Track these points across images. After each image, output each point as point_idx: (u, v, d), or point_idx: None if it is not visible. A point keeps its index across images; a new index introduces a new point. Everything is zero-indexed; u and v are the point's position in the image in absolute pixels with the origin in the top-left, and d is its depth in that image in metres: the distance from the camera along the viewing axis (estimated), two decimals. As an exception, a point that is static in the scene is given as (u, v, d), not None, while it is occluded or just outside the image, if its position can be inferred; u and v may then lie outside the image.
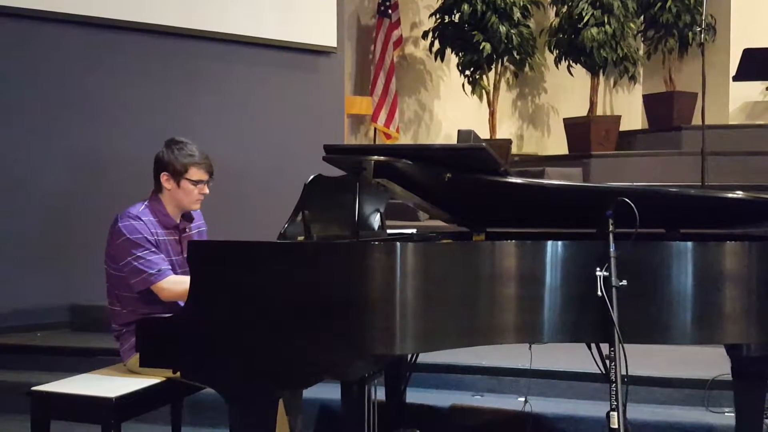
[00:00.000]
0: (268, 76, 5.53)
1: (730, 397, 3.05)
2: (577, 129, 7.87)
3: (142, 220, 2.88)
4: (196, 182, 2.94)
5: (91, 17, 4.78)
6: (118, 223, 2.87)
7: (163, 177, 2.94)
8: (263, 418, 2.30)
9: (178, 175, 2.92)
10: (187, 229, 3.08)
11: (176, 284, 2.82)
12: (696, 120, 7.31)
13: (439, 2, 7.64)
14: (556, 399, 3.61)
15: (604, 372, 2.47)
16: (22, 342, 4.40)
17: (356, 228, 2.39)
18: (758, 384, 2.84)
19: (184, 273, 2.91)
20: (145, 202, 2.97)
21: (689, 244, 2.44)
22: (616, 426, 2.26)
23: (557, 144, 8.56)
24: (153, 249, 2.85)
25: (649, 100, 8.27)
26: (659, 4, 7.60)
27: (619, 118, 8.02)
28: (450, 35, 7.60)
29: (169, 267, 2.87)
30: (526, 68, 7.83)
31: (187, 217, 3.08)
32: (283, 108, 5.58)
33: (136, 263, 2.82)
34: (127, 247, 2.82)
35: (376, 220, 3.13)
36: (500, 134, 8.05)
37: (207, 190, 3.00)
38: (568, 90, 8.53)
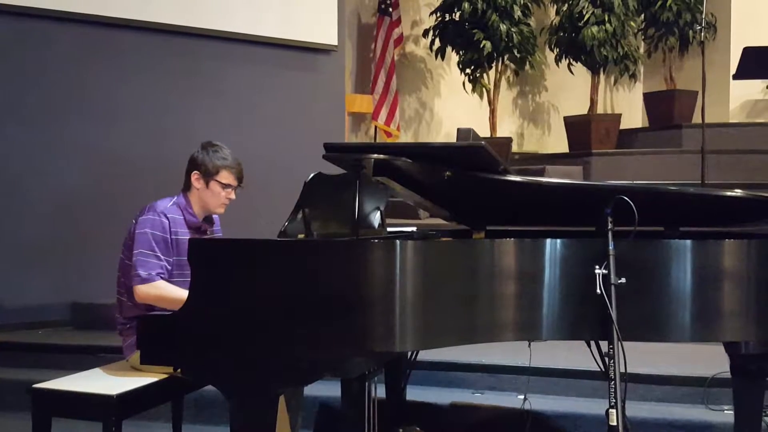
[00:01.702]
0: (268, 74, 5.54)
1: (730, 394, 3.05)
2: (577, 127, 7.87)
3: (167, 218, 2.92)
4: (224, 186, 3.00)
5: (91, 15, 4.79)
6: (144, 214, 2.91)
7: (194, 176, 2.99)
8: (264, 416, 2.30)
9: (208, 175, 2.98)
10: (208, 231, 3.12)
11: (154, 289, 2.83)
12: (696, 118, 7.32)
13: (440, 0, 7.64)
14: (555, 396, 3.62)
15: (603, 369, 2.48)
16: (24, 339, 4.41)
17: (356, 226, 2.40)
18: (757, 382, 2.84)
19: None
20: (174, 198, 3.01)
21: (688, 242, 2.44)
22: (615, 423, 2.26)
23: (558, 142, 8.56)
24: (158, 253, 2.87)
25: (649, 99, 8.27)
26: (660, 3, 7.59)
27: (619, 116, 8.03)
28: (450, 33, 7.60)
29: (161, 274, 2.87)
30: (527, 66, 7.83)
31: (209, 220, 3.12)
32: (284, 106, 5.58)
33: (139, 258, 2.84)
34: (142, 240, 2.86)
35: (376, 218, 3.14)
36: (501, 132, 8.05)
37: (233, 196, 3.05)
38: (568, 88, 8.53)
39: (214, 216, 3.17)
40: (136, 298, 2.85)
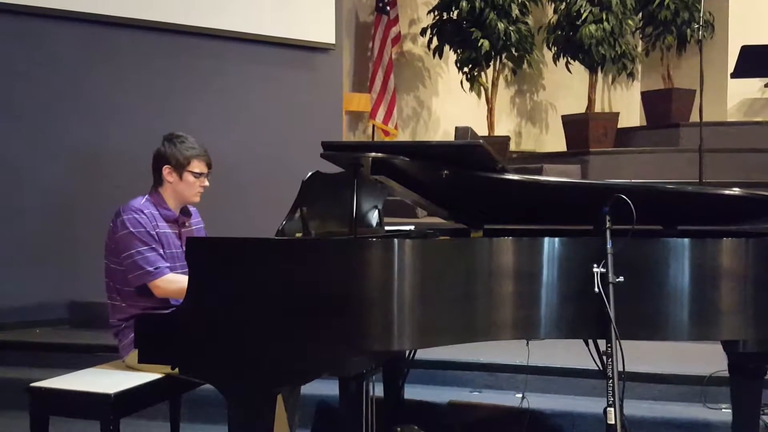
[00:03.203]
0: (266, 72, 5.53)
1: (727, 393, 3.06)
2: (575, 126, 7.87)
3: (144, 213, 2.91)
4: (197, 175, 3.00)
5: (89, 14, 4.78)
6: (121, 216, 2.89)
7: (165, 170, 2.98)
8: (261, 414, 2.30)
9: (180, 167, 2.97)
10: (186, 224, 3.12)
11: (171, 283, 2.84)
12: (694, 117, 7.31)
13: (437, -1, 7.65)
14: (553, 395, 3.62)
15: (601, 368, 2.48)
16: (21, 338, 4.40)
17: (354, 225, 2.40)
18: (755, 380, 2.84)
19: (183, 266, 2.93)
20: (146, 196, 3.01)
21: (686, 240, 2.44)
22: (613, 422, 2.26)
23: (555, 141, 8.57)
24: (153, 245, 2.87)
25: (647, 97, 8.28)
26: (657, 1, 7.59)
27: (617, 115, 8.03)
28: (448, 32, 7.60)
29: (168, 265, 2.89)
30: (525, 65, 7.83)
31: (185, 212, 3.12)
32: (282, 105, 5.58)
33: (135, 258, 2.83)
34: (128, 241, 2.85)
35: (373, 217, 3.14)
36: (498, 131, 8.05)
37: (207, 183, 3.06)
38: (566, 87, 8.53)
39: (192, 209, 3.17)
40: (155, 295, 2.86)
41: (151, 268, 2.83)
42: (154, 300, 2.88)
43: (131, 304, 2.90)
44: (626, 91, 8.85)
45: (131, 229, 2.85)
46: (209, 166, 3.05)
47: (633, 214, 2.29)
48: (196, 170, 2.99)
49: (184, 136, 3.02)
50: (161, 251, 2.90)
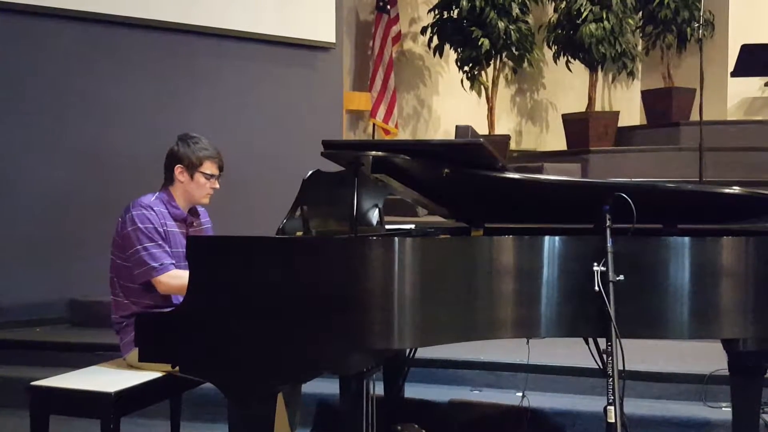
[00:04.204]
0: (266, 71, 5.54)
1: (728, 391, 3.05)
2: (575, 125, 7.87)
3: (153, 210, 2.92)
4: (208, 176, 3.01)
5: (89, 13, 4.79)
6: (130, 212, 2.90)
7: (177, 170, 2.99)
8: (262, 413, 2.30)
9: (192, 168, 2.98)
10: (195, 224, 3.12)
11: (174, 279, 2.85)
12: (694, 116, 7.32)
13: (438, -2, 7.64)
14: (553, 394, 3.62)
15: (601, 367, 2.48)
16: (22, 337, 4.40)
17: (354, 223, 2.40)
18: (755, 379, 2.84)
19: (187, 266, 2.94)
20: (156, 193, 3.01)
21: (686, 239, 2.44)
22: (613, 420, 2.26)
23: (556, 140, 8.56)
24: (159, 242, 2.88)
25: (647, 96, 8.28)
26: (658, 0, 7.60)
27: (617, 113, 8.03)
28: (448, 31, 7.60)
29: (173, 262, 2.89)
30: (525, 64, 7.82)
31: (194, 212, 3.12)
32: (282, 104, 5.58)
33: (141, 254, 2.84)
34: (136, 237, 2.85)
35: (374, 216, 3.14)
36: (499, 130, 8.05)
37: (217, 185, 3.06)
38: (566, 86, 8.53)
39: (200, 209, 3.17)
40: (159, 291, 2.86)
41: (155, 264, 2.84)
42: (157, 297, 2.88)
43: (134, 301, 2.90)
44: (626, 89, 8.85)
45: (139, 224, 2.86)
46: (221, 168, 3.05)
47: (633, 213, 2.29)
48: (208, 171, 3.00)
49: (198, 137, 3.03)
50: (167, 248, 2.90)
